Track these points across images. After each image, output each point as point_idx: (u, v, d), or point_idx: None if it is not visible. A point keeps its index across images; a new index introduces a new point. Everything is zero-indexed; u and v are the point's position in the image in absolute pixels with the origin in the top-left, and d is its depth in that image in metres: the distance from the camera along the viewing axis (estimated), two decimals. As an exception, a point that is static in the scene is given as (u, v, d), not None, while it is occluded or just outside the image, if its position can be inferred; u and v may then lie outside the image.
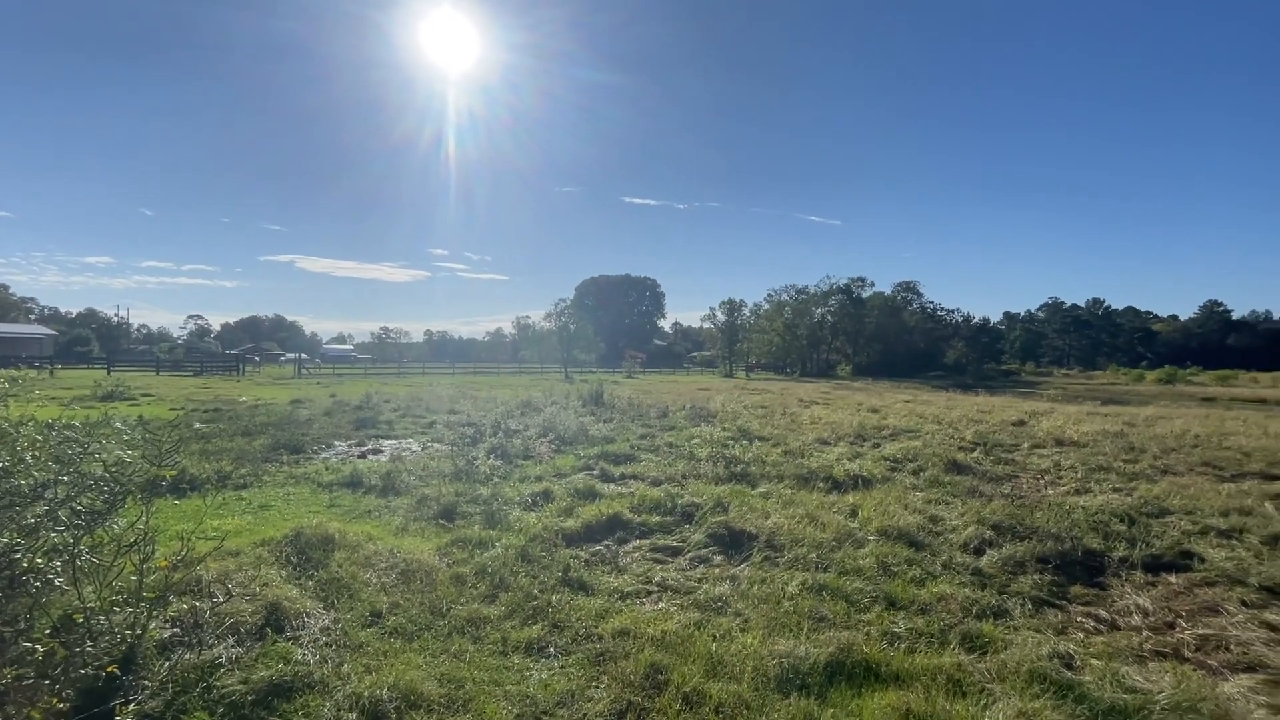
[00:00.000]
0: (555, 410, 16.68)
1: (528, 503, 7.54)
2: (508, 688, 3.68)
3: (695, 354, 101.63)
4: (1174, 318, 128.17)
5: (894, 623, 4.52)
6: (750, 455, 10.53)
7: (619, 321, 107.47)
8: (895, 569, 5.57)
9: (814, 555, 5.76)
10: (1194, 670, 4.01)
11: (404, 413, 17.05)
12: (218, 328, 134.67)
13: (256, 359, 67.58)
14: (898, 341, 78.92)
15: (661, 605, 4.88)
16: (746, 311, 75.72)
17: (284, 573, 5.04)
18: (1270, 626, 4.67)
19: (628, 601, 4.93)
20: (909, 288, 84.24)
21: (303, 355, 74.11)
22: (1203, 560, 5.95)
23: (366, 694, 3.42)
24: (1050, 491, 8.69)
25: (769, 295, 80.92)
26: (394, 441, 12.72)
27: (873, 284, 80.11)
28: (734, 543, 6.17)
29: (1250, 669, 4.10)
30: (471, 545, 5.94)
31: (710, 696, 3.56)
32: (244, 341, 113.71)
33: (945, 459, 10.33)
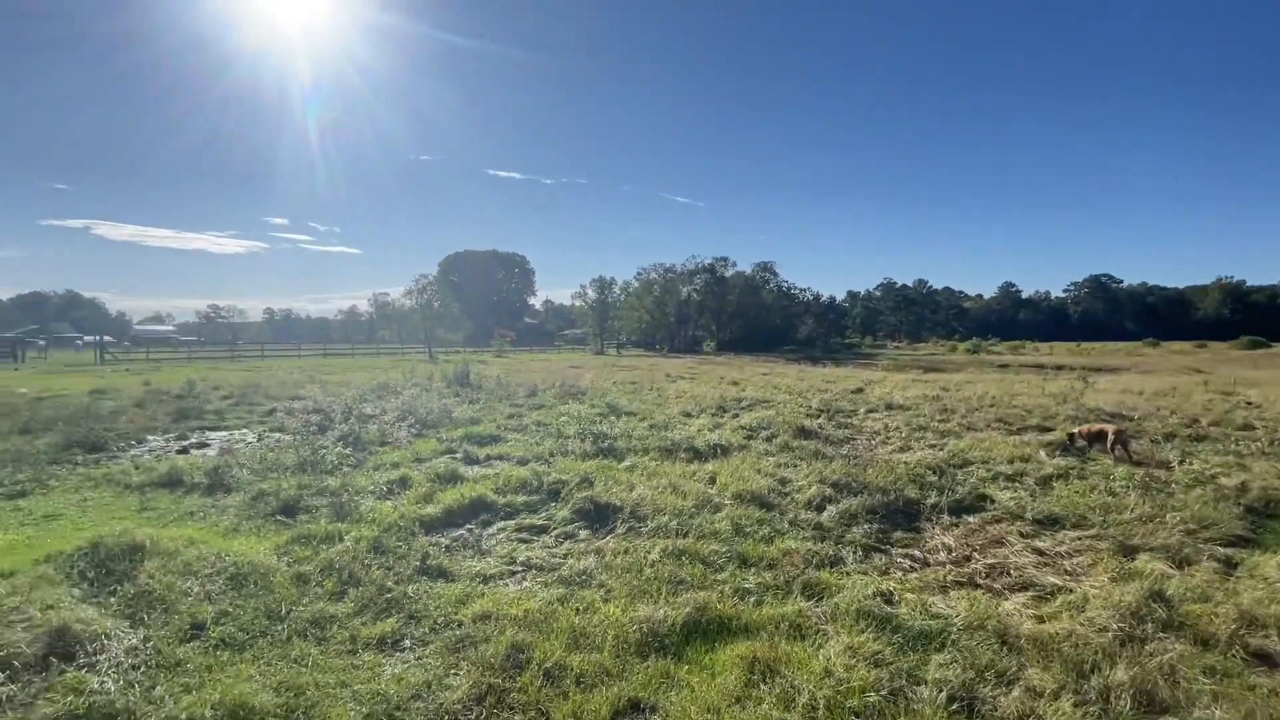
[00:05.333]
0: (416, 392, 15.80)
1: (383, 491, 7.10)
2: (356, 688, 3.45)
3: (567, 331, 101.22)
4: (979, 296, 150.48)
5: (745, 579, 4.85)
6: (617, 430, 10.71)
7: (486, 299, 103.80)
8: (748, 529, 5.97)
9: (675, 523, 6.01)
10: (984, 594, 4.73)
11: (238, 401, 15.24)
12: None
13: (42, 342, 56.42)
14: (757, 318, 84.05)
15: (526, 585, 4.84)
16: (616, 289, 76.73)
17: (77, 591, 4.33)
18: (1039, 552, 5.64)
19: (491, 584, 4.83)
20: (766, 268, 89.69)
21: (105, 338, 63.29)
22: (993, 501, 7.02)
23: (184, 717, 3.04)
24: (880, 450, 9.77)
25: (639, 274, 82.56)
26: (224, 433, 11.35)
27: (734, 264, 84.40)
28: (599, 516, 6.27)
29: (1024, 588, 4.92)
30: (317, 541, 5.48)
31: (571, 669, 3.60)
32: (25, 323, 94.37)
33: (794, 426, 11.22)
